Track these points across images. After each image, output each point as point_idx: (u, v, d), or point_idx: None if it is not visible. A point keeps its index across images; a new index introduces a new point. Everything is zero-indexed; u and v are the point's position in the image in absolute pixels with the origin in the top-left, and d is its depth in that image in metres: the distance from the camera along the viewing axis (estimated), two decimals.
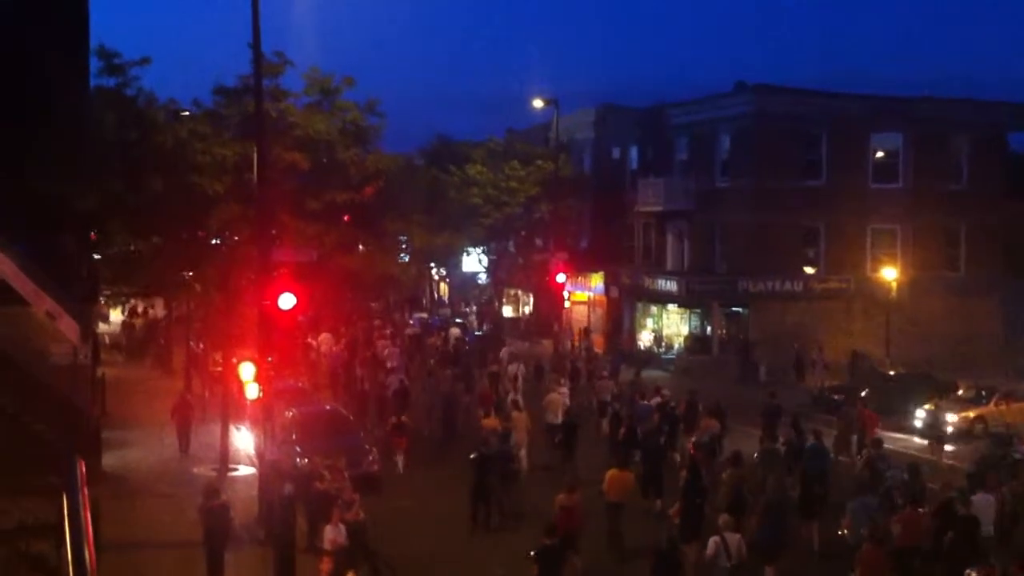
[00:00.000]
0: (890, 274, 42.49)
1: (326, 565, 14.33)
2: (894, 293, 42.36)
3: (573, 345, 47.29)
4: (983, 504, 17.91)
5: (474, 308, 63.00)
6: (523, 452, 25.08)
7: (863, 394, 33.55)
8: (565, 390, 31.01)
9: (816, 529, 19.80)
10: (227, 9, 35.35)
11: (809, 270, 44.61)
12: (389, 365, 36.32)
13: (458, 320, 55.89)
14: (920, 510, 17.45)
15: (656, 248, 49.00)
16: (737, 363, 41.67)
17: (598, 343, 49.53)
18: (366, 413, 30.56)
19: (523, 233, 54.99)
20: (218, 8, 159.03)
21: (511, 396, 29.96)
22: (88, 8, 24.76)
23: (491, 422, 25.01)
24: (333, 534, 16.94)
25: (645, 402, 28.46)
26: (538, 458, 25.94)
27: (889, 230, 44.95)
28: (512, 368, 36.06)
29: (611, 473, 19.90)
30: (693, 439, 25.11)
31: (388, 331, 46.72)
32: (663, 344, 46.76)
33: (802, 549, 19.10)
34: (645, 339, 48.31)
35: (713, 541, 15.48)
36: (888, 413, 31.62)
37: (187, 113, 28.02)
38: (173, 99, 27.89)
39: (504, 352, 40.22)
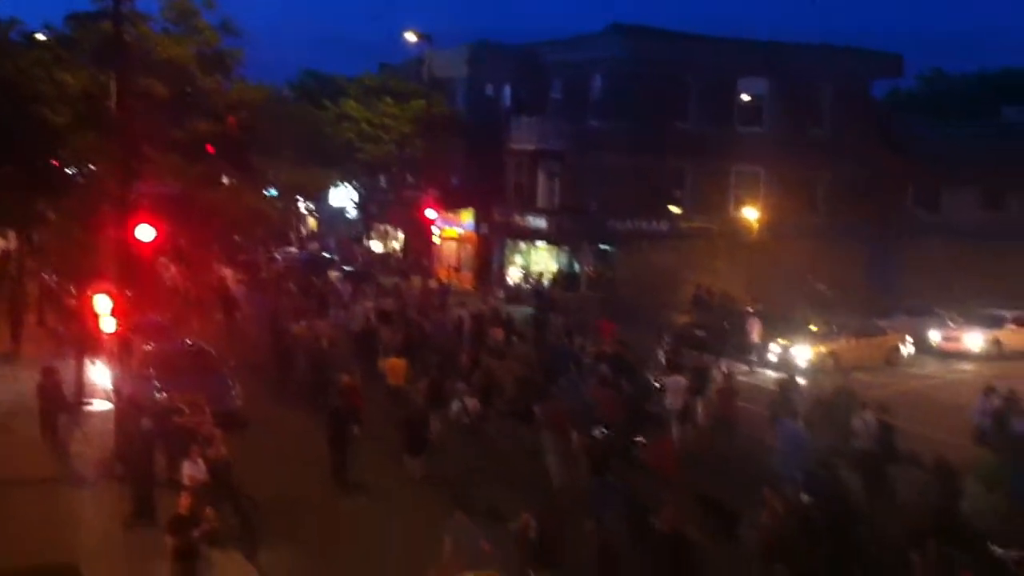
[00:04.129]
0: (752, 216, 43.70)
1: (185, 500, 14.15)
2: (756, 234, 43.64)
3: (440, 281, 47.30)
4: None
5: (338, 244, 62.39)
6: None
7: (727, 325, 34.72)
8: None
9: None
10: None
11: (676, 210, 45.53)
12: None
13: (327, 255, 55.35)
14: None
15: (528, 186, 49.22)
16: (600, 300, 42.32)
17: (467, 280, 49.74)
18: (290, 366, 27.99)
19: (395, 169, 54.57)
20: None
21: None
22: None
23: (349, 381, 24.20)
24: (192, 470, 16.72)
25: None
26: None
27: (752, 173, 46.12)
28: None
29: (390, 361, 24.59)
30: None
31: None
32: (531, 281, 47.19)
33: None
34: (514, 276, 48.68)
35: (455, 407, 20.40)
36: (746, 349, 32.87)
37: (41, 37, 26.77)
38: (16, 19, 26.55)
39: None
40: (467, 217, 52.05)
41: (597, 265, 45.72)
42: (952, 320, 37.74)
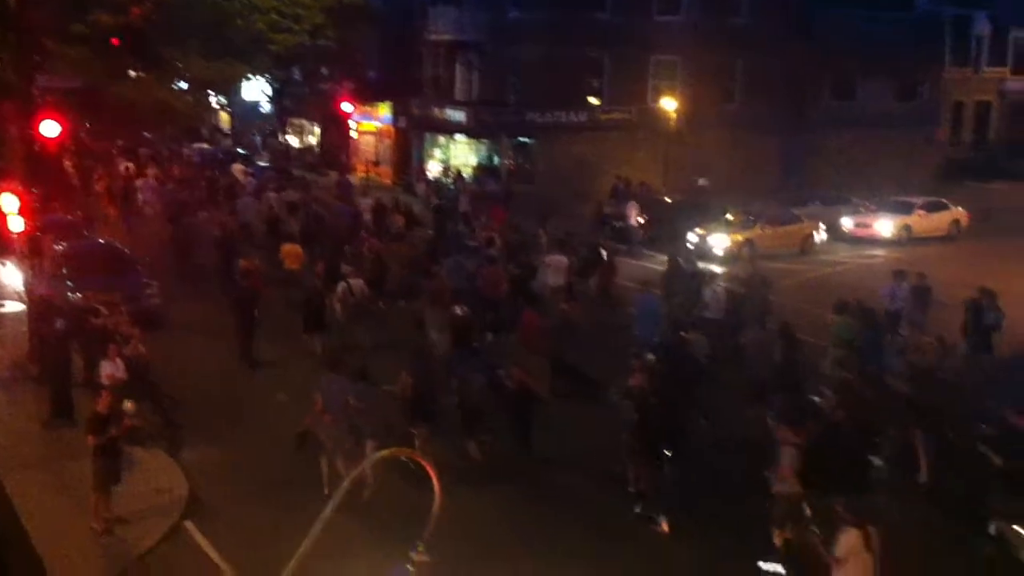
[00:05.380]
0: (670, 106, 43.76)
1: (104, 400, 14.04)
2: (674, 125, 43.77)
3: (345, 174, 46.66)
4: None
5: (260, 139, 61.13)
6: None
7: (643, 220, 35.07)
8: None
9: None
10: None
11: (594, 102, 45.37)
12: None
13: (240, 150, 54.20)
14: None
15: (445, 78, 48.48)
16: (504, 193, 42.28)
17: (385, 174, 49.24)
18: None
19: (309, 62, 53.27)
20: None
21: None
22: None
23: (247, 263, 23.97)
24: (110, 369, 16.58)
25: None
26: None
27: (670, 63, 45.96)
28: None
29: (287, 247, 26.11)
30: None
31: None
32: (451, 174, 46.89)
33: None
34: (433, 169, 48.31)
35: (341, 287, 21.51)
36: (665, 239, 33.25)
37: None
38: None
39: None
40: (385, 110, 51.25)
41: (516, 158, 45.55)
42: (863, 207, 38.60)
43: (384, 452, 8.37)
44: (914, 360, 17.56)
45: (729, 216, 34.74)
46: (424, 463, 6.71)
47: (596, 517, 14.59)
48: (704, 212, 35.42)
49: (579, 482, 15.67)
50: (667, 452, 14.31)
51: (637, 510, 14.38)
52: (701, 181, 43.13)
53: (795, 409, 13.94)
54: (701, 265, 27.10)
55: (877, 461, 14.20)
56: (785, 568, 12.69)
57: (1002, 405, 14.15)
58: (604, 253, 27.72)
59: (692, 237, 33.39)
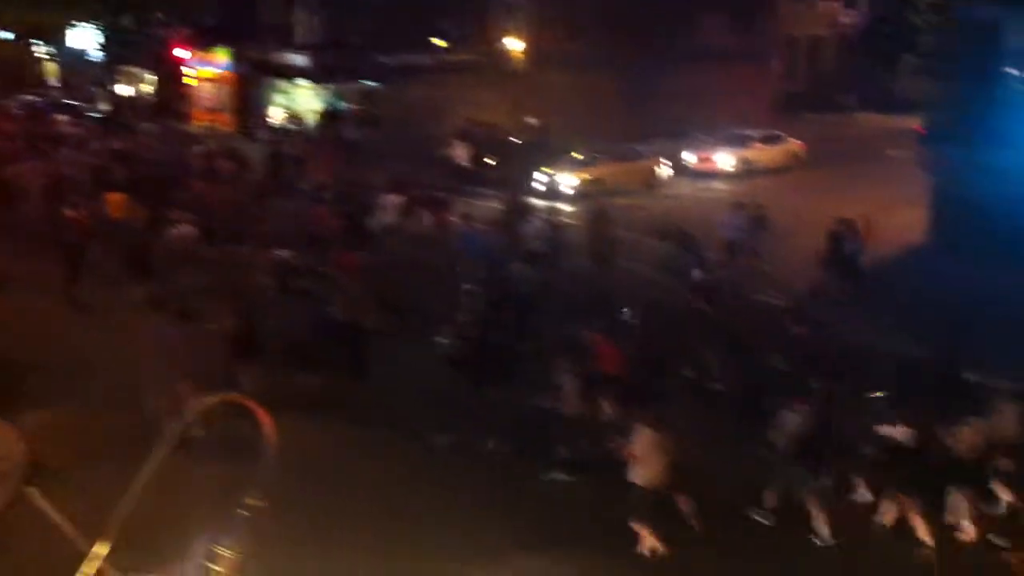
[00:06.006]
0: (516, 46, 43.60)
1: None
2: (521, 65, 43.67)
3: (173, 123, 45.15)
4: None
5: (93, 89, 58.35)
6: None
7: (491, 162, 35.03)
8: None
9: None
10: None
11: (440, 44, 44.81)
12: None
13: (69, 101, 51.67)
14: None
15: (285, 22, 47.07)
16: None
17: (227, 122, 47.76)
18: None
19: (140, 7, 50.93)
20: None
21: None
22: None
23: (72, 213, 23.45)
24: None
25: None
26: None
27: (515, 2, 45.70)
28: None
29: (111, 196, 25.65)
30: None
31: None
32: (295, 121, 45.80)
33: None
34: (276, 116, 47.05)
35: (167, 233, 21.79)
36: (514, 180, 33.24)
37: None
38: None
39: None
40: (223, 56, 49.47)
41: (362, 103, 44.79)
42: (704, 142, 39.44)
43: (213, 397, 8.16)
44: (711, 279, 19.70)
45: (575, 155, 35.00)
46: (254, 407, 6.55)
47: (428, 445, 14.83)
48: (551, 151, 35.62)
49: (411, 412, 15.91)
50: (494, 384, 14.87)
51: (489, 443, 14.68)
52: (531, 120, 43.23)
53: (610, 326, 15.54)
54: (542, 203, 27.41)
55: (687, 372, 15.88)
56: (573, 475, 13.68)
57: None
58: (440, 193, 27.99)
59: (540, 176, 33.54)
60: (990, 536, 12.41)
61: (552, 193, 32.75)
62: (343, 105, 44.82)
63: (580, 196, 32.52)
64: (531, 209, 24.53)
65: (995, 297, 20.21)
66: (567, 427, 13.95)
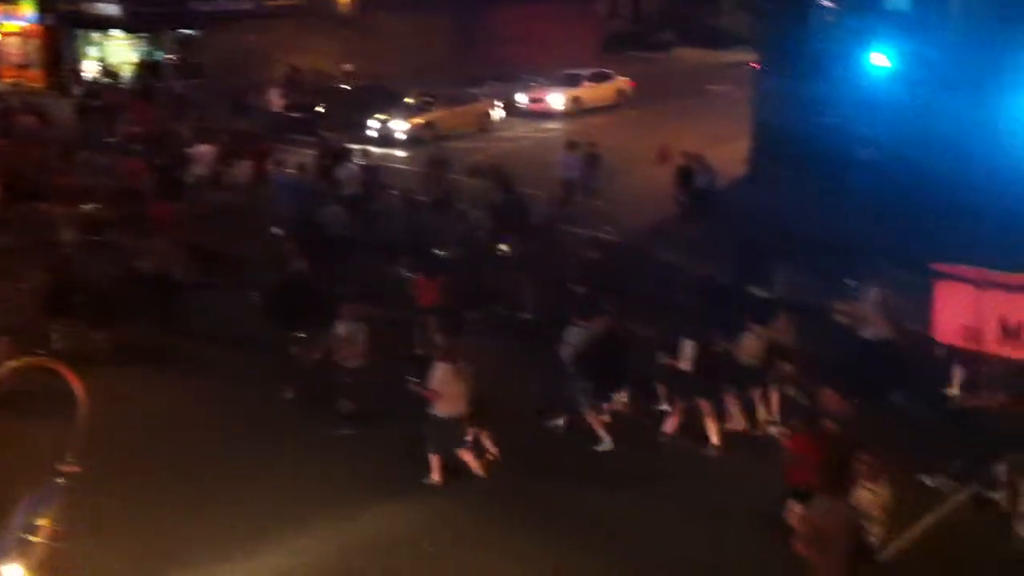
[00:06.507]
0: None
1: None
2: (346, 9, 42.81)
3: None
4: None
5: None
6: None
7: (320, 110, 34.32)
8: None
9: None
10: None
11: None
12: None
13: None
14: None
15: None
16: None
17: (36, 78, 45.19)
18: None
19: None
20: None
21: None
22: None
23: None
24: None
25: None
26: None
27: None
28: None
29: None
30: None
31: None
32: (110, 74, 43.73)
33: None
34: (91, 70, 44.81)
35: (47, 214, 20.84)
36: (346, 127, 32.68)
37: None
38: None
39: None
40: (28, 8, 46.63)
41: (180, 52, 43.11)
42: (535, 83, 39.66)
43: (17, 361, 7.84)
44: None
45: (408, 100, 34.67)
46: (62, 369, 6.33)
47: (246, 392, 14.72)
48: (383, 97, 35.19)
49: (227, 358, 15.91)
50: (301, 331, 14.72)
51: (288, 393, 14.54)
52: (346, 67, 42.61)
53: (424, 263, 16.03)
54: (376, 149, 27.69)
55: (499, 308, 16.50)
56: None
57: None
58: (261, 142, 27.34)
59: (373, 123, 33.11)
60: (771, 426, 13.33)
61: (385, 139, 32.40)
62: (160, 55, 43.07)
63: (414, 141, 32.29)
64: (349, 154, 24.20)
65: (799, 222, 21.26)
66: (352, 379, 13.89)
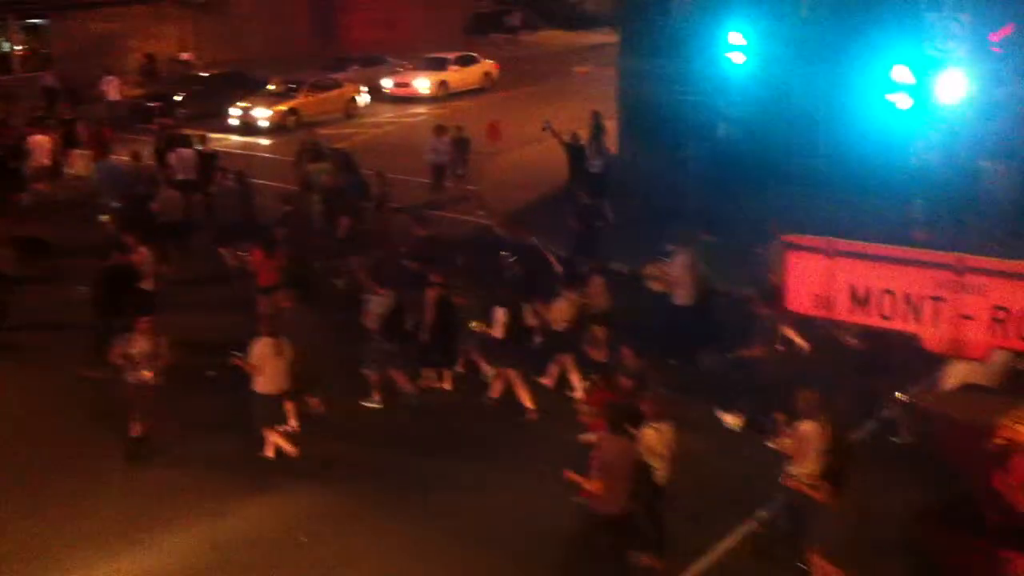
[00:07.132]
0: None
1: None
2: None
3: None
4: None
5: None
6: None
7: (179, 98, 33.37)
8: None
9: None
10: None
11: None
12: None
13: None
14: None
15: None
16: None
17: None
18: None
19: None
20: None
21: None
22: None
23: None
24: None
25: None
26: None
27: None
28: None
29: None
30: None
31: None
32: None
33: None
34: None
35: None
36: (205, 115, 31.85)
37: None
38: None
39: None
40: None
41: (28, 41, 41.33)
42: (401, 67, 39.33)
43: None
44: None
45: (271, 87, 34.00)
46: None
47: (83, 388, 14.29)
48: (244, 84, 34.44)
49: (49, 345, 15.90)
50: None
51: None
52: (184, 55, 41.66)
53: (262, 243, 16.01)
54: (237, 137, 27.76)
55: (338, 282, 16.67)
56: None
57: None
58: (106, 132, 26.11)
59: (234, 111, 32.36)
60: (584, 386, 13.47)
61: (248, 127, 31.71)
62: (6, 45, 41.20)
63: (277, 128, 31.67)
64: (185, 140, 23.65)
65: (652, 196, 21.81)
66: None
